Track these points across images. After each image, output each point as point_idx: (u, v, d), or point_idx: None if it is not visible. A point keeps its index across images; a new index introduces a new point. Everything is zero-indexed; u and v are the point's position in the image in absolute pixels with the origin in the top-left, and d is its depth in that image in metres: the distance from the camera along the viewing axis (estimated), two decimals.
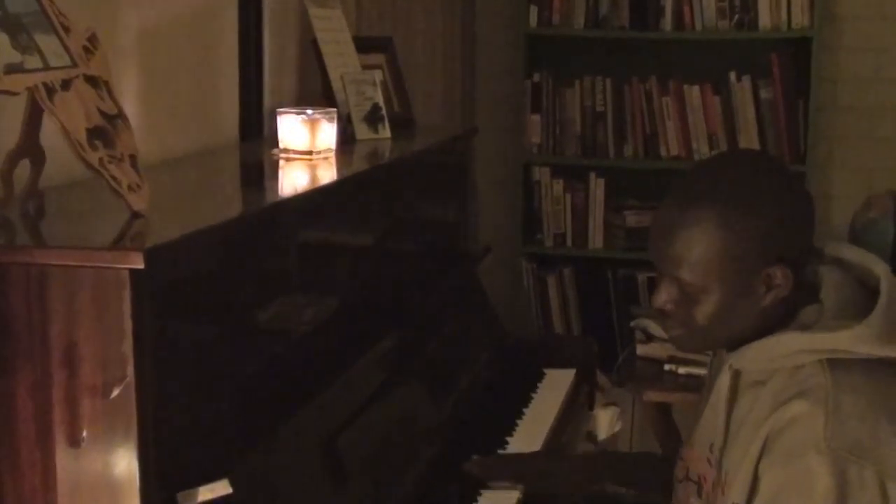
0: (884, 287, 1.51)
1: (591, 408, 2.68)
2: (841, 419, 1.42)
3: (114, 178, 1.38)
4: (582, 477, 1.95)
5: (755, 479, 1.48)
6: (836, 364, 1.47)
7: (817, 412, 1.43)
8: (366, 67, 2.57)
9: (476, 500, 1.89)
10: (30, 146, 1.43)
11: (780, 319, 1.53)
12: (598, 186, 4.10)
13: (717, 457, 1.58)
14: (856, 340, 1.46)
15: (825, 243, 1.64)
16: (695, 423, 1.71)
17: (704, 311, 1.52)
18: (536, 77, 4.10)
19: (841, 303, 1.52)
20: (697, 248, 1.49)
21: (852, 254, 1.60)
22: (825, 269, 1.57)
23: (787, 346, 1.50)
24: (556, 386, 2.50)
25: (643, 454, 2.36)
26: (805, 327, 1.51)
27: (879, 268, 1.55)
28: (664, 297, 1.55)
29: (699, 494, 1.64)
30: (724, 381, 1.58)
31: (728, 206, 1.48)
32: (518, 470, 1.96)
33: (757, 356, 1.53)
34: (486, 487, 1.92)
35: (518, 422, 2.27)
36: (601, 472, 1.97)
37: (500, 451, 2.11)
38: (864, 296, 1.53)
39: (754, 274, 1.49)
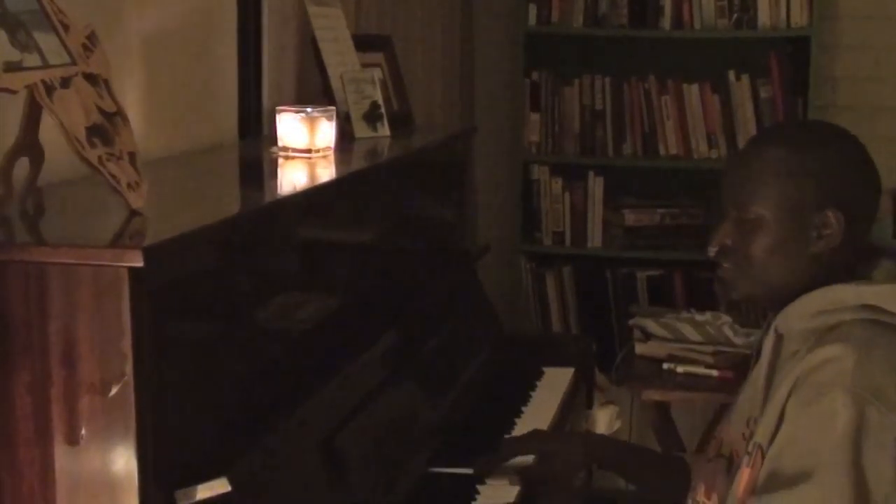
0: None
1: (589, 407, 2.68)
2: (871, 365, 1.46)
3: (113, 176, 1.38)
4: (577, 458, 1.97)
5: (781, 420, 1.51)
6: (875, 326, 1.52)
7: (848, 354, 1.47)
8: (365, 66, 2.57)
9: (475, 499, 1.89)
10: (29, 144, 1.43)
11: (830, 279, 1.57)
12: (596, 185, 4.10)
13: (751, 430, 1.60)
14: None
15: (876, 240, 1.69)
16: (734, 403, 1.74)
17: (759, 246, 1.59)
18: (535, 75, 4.09)
19: (890, 275, 1.57)
20: (758, 180, 1.59)
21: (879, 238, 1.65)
22: (881, 259, 1.62)
23: (831, 297, 1.55)
24: (554, 385, 2.50)
25: (643, 448, 2.37)
26: (856, 282, 1.56)
27: None
28: (723, 232, 1.63)
29: (728, 471, 1.65)
30: (767, 345, 1.63)
31: (791, 146, 1.59)
32: (518, 449, 1.97)
33: (802, 310, 1.57)
34: (484, 484, 1.93)
35: (516, 420, 2.27)
36: (597, 454, 1.98)
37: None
38: None
39: (810, 213, 1.57)
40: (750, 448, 1.56)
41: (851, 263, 1.60)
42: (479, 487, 1.91)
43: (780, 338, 1.62)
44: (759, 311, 3.22)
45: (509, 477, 1.94)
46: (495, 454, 1.97)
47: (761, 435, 1.54)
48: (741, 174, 1.62)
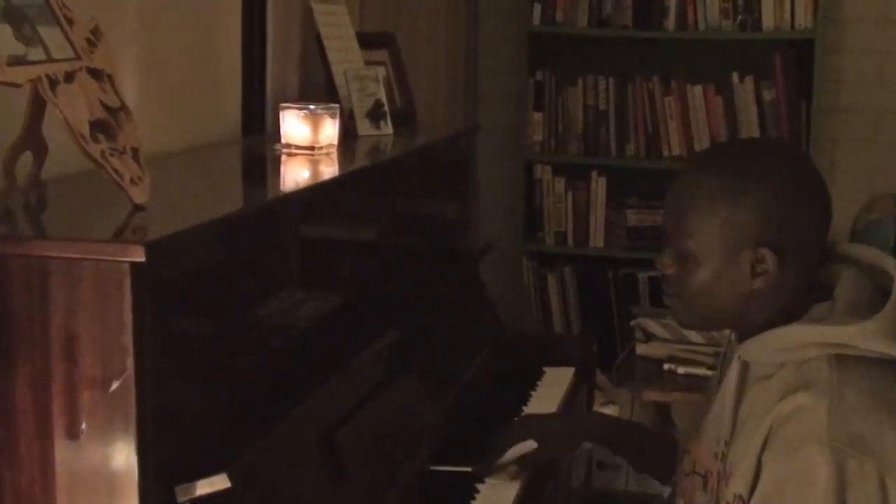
0: None
1: (590, 406, 2.68)
2: (843, 413, 1.43)
3: (116, 170, 1.38)
4: (571, 437, 1.99)
5: (758, 471, 1.49)
6: (843, 360, 1.48)
7: (820, 404, 1.43)
8: (369, 63, 2.57)
9: (474, 498, 1.89)
10: (32, 138, 1.43)
11: (789, 313, 1.54)
12: (599, 185, 4.10)
13: (723, 450, 1.58)
14: (863, 336, 1.47)
15: (838, 243, 1.64)
16: (703, 417, 1.71)
17: (695, 281, 1.55)
18: (539, 75, 4.10)
19: (853, 301, 1.52)
20: (693, 213, 1.53)
21: (867, 253, 1.61)
22: (841, 268, 1.58)
23: (794, 337, 1.51)
24: (555, 384, 2.50)
25: (635, 423, 2.36)
26: (815, 321, 1.51)
27: (892, 266, 1.56)
28: (663, 261, 1.59)
29: (704, 488, 1.64)
30: (732, 372, 1.60)
31: (731, 177, 1.51)
32: (514, 437, 1.97)
33: (765, 347, 1.54)
34: (483, 482, 1.93)
35: (516, 419, 2.26)
36: (590, 431, 1.99)
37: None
38: (878, 296, 1.53)
39: (742, 251, 1.51)
40: (730, 498, 1.53)
41: (800, 290, 1.54)
42: (479, 487, 1.92)
43: (745, 365, 1.59)
44: None
45: (508, 470, 1.96)
46: (492, 451, 1.97)
47: (740, 485, 1.50)
48: (675, 203, 1.56)
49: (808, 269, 1.55)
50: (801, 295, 1.54)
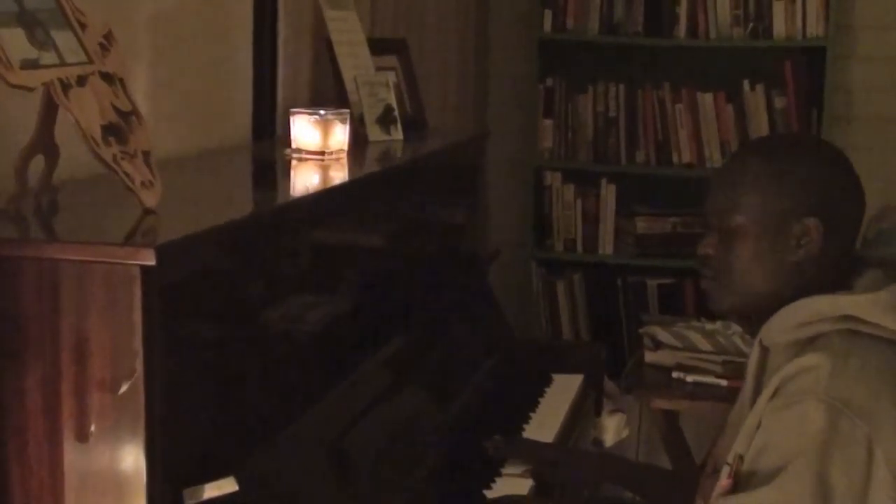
0: None
1: (598, 414, 2.68)
2: (845, 375, 1.47)
3: (127, 174, 1.39)
4: (591, 473, 2.05)
5: (759, 428, 1.52)
6: (855, 336, 1.52)
7: (824, 364, 1.48)
8: (379, 69, 2.58)
9: (490, 488, 1.92)
10: (44, 141, 1.43)
11: (811, 288, 1.57)
12: (609, 192, 4.10)
13: None
14: (872, 305, 1.52)
15: (860, 249, 1.69)
16: (728, 418, 1.74)
17: (740, 254, 1.60)
18: (549, 82, 4.09)
19: (872, 286, 1.57)
20: (739, 189, 1.60)
21: (888, 252, 1.65)
22: (867, 269, 1.61)
23: (810, 308, 1.55)
24: (563, 391, 2.50)
25: (655, 467, 2.38)
26: (832, 294, 1.56)
27: None
28: (705, 242, 1.64)
29: None
30: (753, 358, 1.65)
31: (772, 157, 1.61)
32: (532, 453, 2.04)
33: (783, 322, 1.58)
34: (500, 475, 1.94)
35: (525, 426, 2.27)
36: (610, 472, 2.04)
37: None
38: None
39: (789, 222, 1.57)
40: (730, 459, 1.56)
41: (833, 273, 1.59)
42: (496, 478, 1.95)
43: (765, 351, 1.63)
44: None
45: (523, 469, 2.00)
46: (512, 444, 2.03)
47: (741, 444, 1.54)
48: (723, 184, 1.64)
49: (845, 248, 1.61)
50: (830, 280, 1.58)
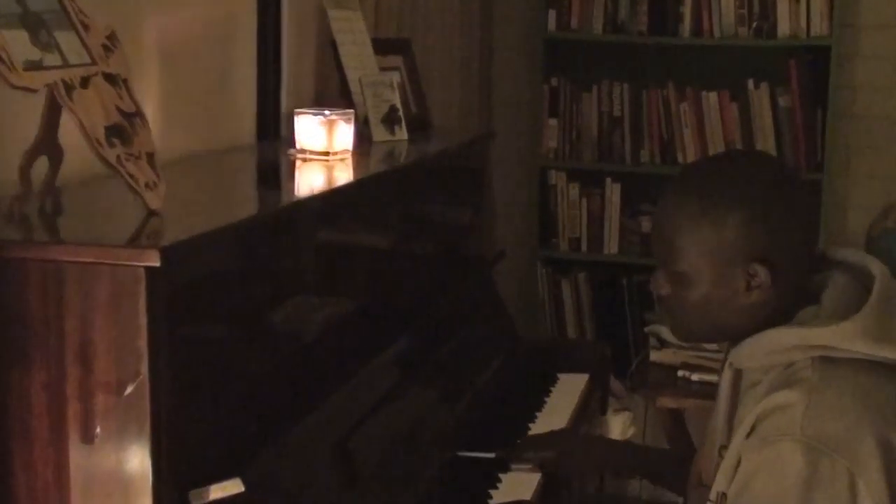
0: (876, 287, 1.52)
1: (603, 413, 2.67)
2: (820, 411, 1.44)
3: (131, 175, 1.39)
4: (601, 458, 2.03)
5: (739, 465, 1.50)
6: (827, 362, 1.49)
7: (798, 402, 1.44)
8: (383, 69, 2.57)
9: (496, 487, 1.92)
10: (48, 143, 1.43)
11: (777, 319, 1.54)
12: (613, 192, 4.09)
13: (719, 461, 1.59)
14: (842, 336, 1.47)
15: (828, 249, 1.65)
16: (706, 430, 1.72)
17: (689, 300, 1.55)
18: (554, 81, 4.09)
19: (840, 304, 1.52)
20: (680, 237, 1.53)
21: (853, 256, 1.62)
22: (832, 273, 1.58)
23: (778, 340, 1.52)
24: (569, 390, 2.50)
25: (664, 451, 2.37)
26: (799, 324, 1.52)
27: (876, 267, 1.56)
28: (656, 283, 1.59)
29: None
30: (725, 380, 1.62)
31: (712, 198, 1.51)
32: (540, 446, 2.03)
33: (752, 351, 1.55)
34: (505, 472, 1.96)
35: (531, 426, 2.26)
36: (620, 457, 2.03)
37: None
38: (866, 298, 1.53)
39: (734, 269, 1.51)
40: (713, 496, 1.54)
41: (796, 295, 1.54)
42: (502, 476, 1.95)
43: (737, 372, 1.60)
44: None
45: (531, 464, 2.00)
46: (517, 446, 2.02)
47: (723, 483, 1.51)
48: (661, 228, 1.57)
49: (801, 276, 1.56)
50: (793, 301, 1.55)
